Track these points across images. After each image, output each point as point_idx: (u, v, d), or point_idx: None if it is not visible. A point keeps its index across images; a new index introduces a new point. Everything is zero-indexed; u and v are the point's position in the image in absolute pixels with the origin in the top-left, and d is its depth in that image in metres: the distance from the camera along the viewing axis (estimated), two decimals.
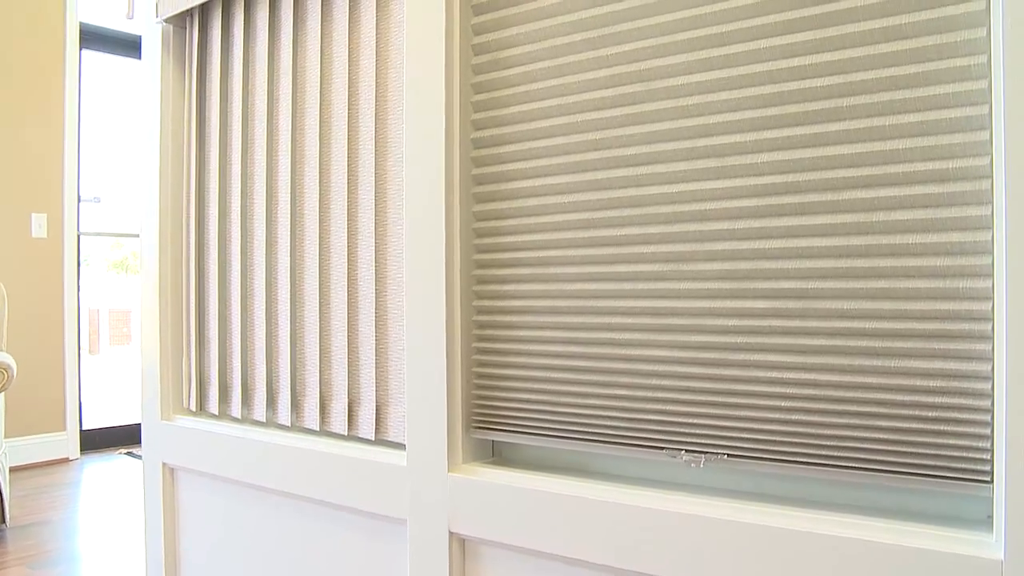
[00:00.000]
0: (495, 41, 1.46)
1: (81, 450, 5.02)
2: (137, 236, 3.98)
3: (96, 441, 5.11)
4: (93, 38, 5.30)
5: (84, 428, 5.07)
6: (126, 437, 5.16)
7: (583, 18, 1.36)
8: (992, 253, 1.04)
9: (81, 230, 5.10)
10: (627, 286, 1.31)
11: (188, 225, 2.11)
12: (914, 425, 1.09)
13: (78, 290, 4.97)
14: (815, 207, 1.15)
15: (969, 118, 1.05)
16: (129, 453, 4.96)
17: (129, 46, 5.46)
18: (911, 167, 1.09)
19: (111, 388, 8.16)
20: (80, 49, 5.11)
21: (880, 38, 1.11)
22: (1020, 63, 0.98)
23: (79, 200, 5.04)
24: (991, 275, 1.04)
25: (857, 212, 1.13)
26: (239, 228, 1.96)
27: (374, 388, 1.65)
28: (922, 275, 1.08)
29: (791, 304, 1.17)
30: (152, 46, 2.16)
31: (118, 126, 5.87)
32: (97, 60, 5.43)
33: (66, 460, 4.83)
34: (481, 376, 1.49)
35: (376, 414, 1.65)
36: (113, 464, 4.71)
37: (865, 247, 1.12)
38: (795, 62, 1.17)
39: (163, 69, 2.14)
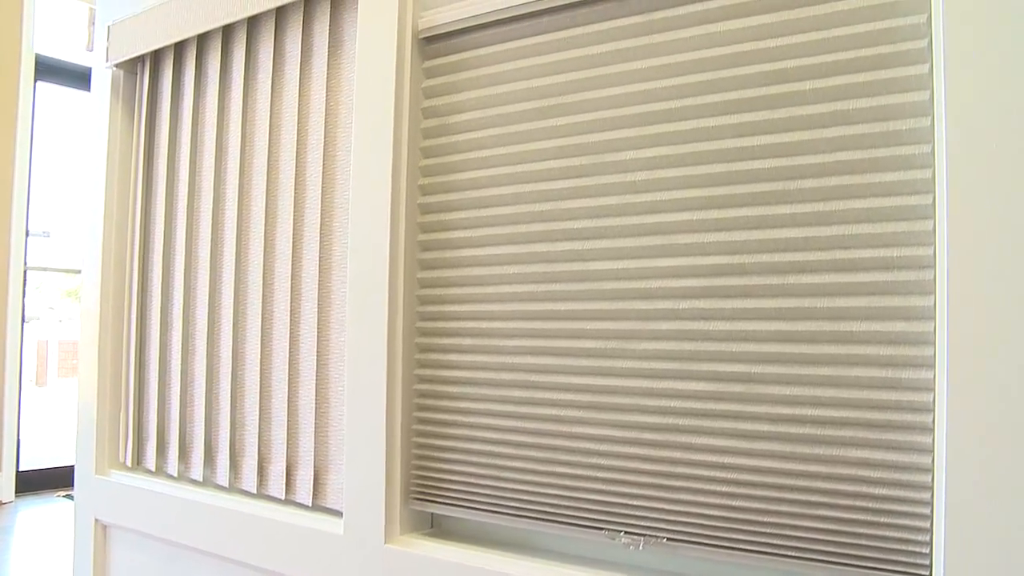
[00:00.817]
0: (445, 106, 1.46)
1: (17, 492, 4.89)
2: None
3: (34, 483, 4.98)
4: (48, 70, 5.24)
5: (21, 469, 4.94)
6: (67, 478, 5.03)
7: (533, 87, 1.35)
8: (935, 344, 1.03)
9: (28, 264, 5.01)
10: (570, 361, 1.30)
11: (131, 275, 2.08)
12: (855, 516, 1.08)
13: (22, 324, 4.87)
14: (761, 290, 1.15)
15: (914, 207, 1.06)
16: (68, 496, 4.84)
17: (86, 78, 5.41)
18: (856, 254, 1.09)
19: (57, 422, 7.99)
20: (35, 81, 5.05)
21: (827, 122, 1.12)
22: (963, 155, 0.98)
23: (27, 234, 4.96)
24: (933, 366, 1.03)
25: (802, 297, 1.12)
26: (182, 280, 1.93)
27: (313, 453, 1.62)
28: (866, 363, 1.08)
29: (735, 388, 1.16)
30: (101, 90, 2.13)
31: (72, 158, 5.79)
32: (52, 92, 5.37)
33: None
34: (421, 447, 1.47)
35: (314, 480, 1.62)
36: (50, 508, 4.59)
37: (810, 333, 1.11)
38: (743, 142, 1.17)
39: (111, 114, 2.11)
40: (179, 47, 2.00)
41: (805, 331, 1.12)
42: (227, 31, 1.87)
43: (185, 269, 1.92)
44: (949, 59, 1.00)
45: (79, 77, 5.45)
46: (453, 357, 1.42)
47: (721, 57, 1.19)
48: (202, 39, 1.93)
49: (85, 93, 5.44)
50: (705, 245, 1.19)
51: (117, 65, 2.09)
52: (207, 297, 1.87)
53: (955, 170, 0.99)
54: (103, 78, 2.13)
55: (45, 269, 5.40)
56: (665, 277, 1.22)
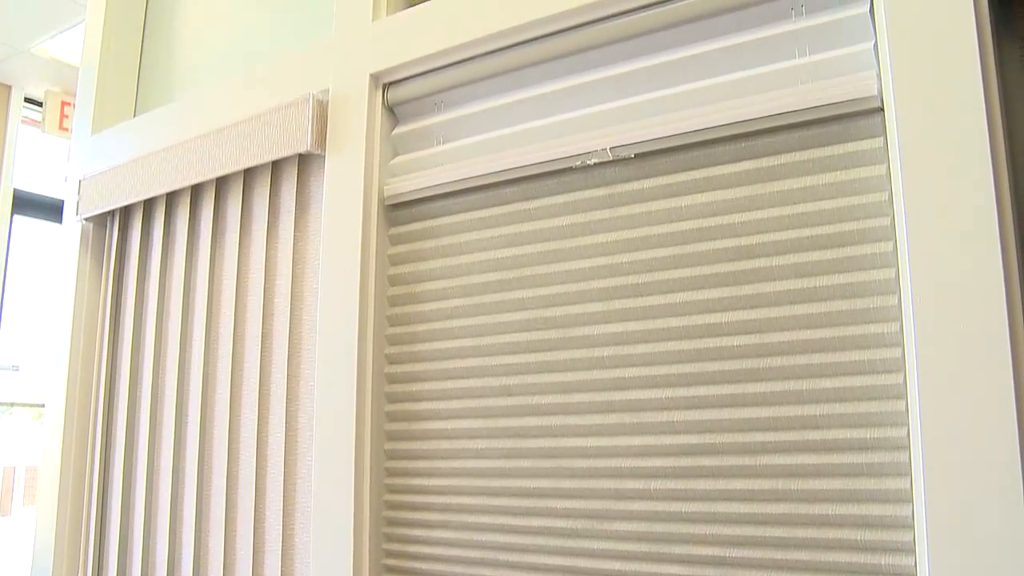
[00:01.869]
0: (411, 274, 1.45)
1: None
2: None
3: None
4: (24, 203, 5.27)
5: None
6: None
7: (497, 258, 1.35)
8: (913, 528, 1.01)
9: None
10: (540, 541, 1.26)
11: (95, 418, 2.03)
12: None
13: None
14: (733, 471, 1.12)
15: (886, 386, 1.04)
16: None
17: (58, 210, 5.44)
18: (829, 434, 1.07)
19: (20, 552, 7.74)
20: (11, 215, 5.08)
21: (796, 299, 1.11)
22: (930, 332, 0.97)
23: None
24: (913, 551, 1.00)
25: (776, 478, 1.10)
26: (147, 429, 1.88)
27: None
28: (842, 548, 1.05)
29: (709, 572, 1.13)
30: (71, 243, 2.13)
31: (43, 292, 5.77)
32: (26, 224, 5.39)
33: None
34: None
35: None
36: None
37: (784, 515, 1.09)
38: (711, 319, 1.16)
39: (80, 266, 2.10)
40: (148, 203, 2.00)
41: (779, 513, 1.09)
42: (196, 188, 1.88)
43: (150, 419, 1.88)
44: (912, 238, 1.00)
45: (56, 210, 5.47)
46: (419, 532, 1.39)
47: (687, 232, 1.20)
48: (171, 196, 1.94)
49: (58, 225, 5.46)
50: (675, 424, 1.17)
51: (87, 219, 2.09)
52: (172, 448, 1.82)
53: (924, 351, 0.98)
54: (73, 231, 2.13)
55: (14, 404, 5.32)
56: (635, 456, 1.20)
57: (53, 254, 5.75)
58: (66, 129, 5.19)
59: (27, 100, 5.28)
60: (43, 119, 5.25)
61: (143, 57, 2.24)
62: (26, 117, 5.32)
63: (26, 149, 5.28)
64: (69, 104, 5.21)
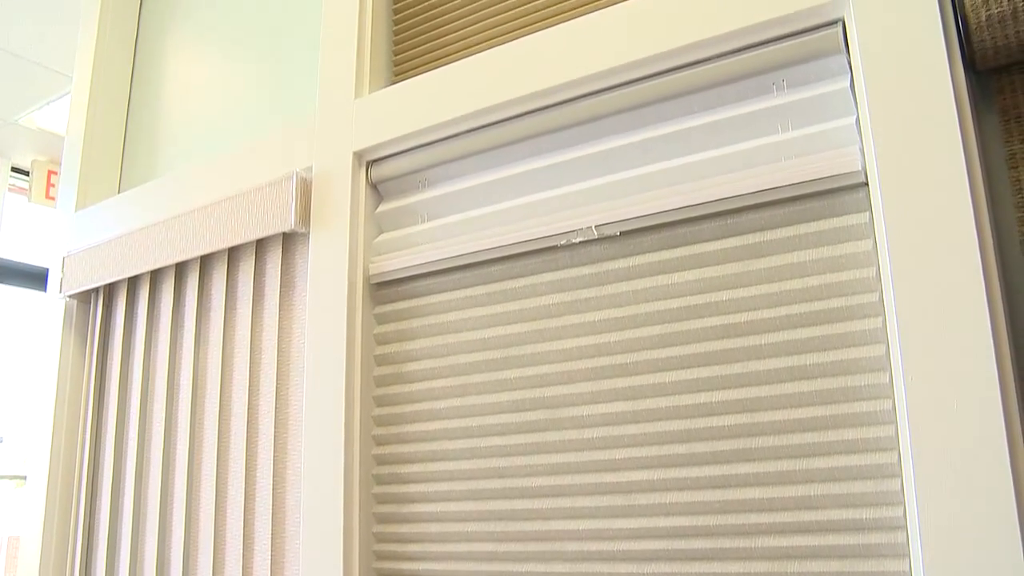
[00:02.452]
0: (397, 353, 1.44)
1: None
2: None
3: None
4: (8, 272, 5.25)
5: None
6: None
7: (485, 338, 1.34)
8: None
9: None
10: None
11: (79, 498, 2.00)
12: None
13: None
14: (727, 553, 1.11)
15: (880, 465, 1.03)
16: None
17: (41, 279, 5.42)
18: (824, 514, 1.06)
19: None
20: None
21: (785, 377, 1.10)
22: (922, 410, 0.97)
23: None
24: None
25: (771, 560, 1.08)
26: (131, 506, 1.85)
27: None
28: None
29: None
30: (54, 319, 2.11)
31: (27, 363, 5.73)
32: (10, 294, 5.36)
33: None
34: None
35: None
36: None
37: None
38: (701, 398, 1.15)
39: (63, 342, 2.08)
40: (133, 280, 1.99)
41: None
42: (181, 266, 1.87)
43: (135, 496, 1.85)
44: (900, 313, 1.00)
45: (36, 278, 5.45)
46: None
47: (674, 310, 1.19)
48: (156, 273, 1.93)
49: (43, 294, 5.43)
50: (667, 505, 1.15)
51: (71, 296, 2.08)
52: (156, 525, 1.79)
53: (917, 429, 0.97)
54: (56, 307, 2.12)
55: None
56: (628, 539, 1.18)
57: (37, 325, 5.72)
58: (52, 198, 5.20)
59: (14, 169, 5.29)
60: (30, 188, 5.25)
61: (128, 133, 2.24)
62: (12, 185, 5.32)
63: (11, 218, 5.27)
64: (56, 173, 5.22)
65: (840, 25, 1.14)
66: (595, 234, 1.25)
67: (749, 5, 1.17)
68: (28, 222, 5.39)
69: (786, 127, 1.17)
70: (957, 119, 1.02)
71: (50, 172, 5.24)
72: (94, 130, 2.20)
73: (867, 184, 1.09)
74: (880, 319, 1.05)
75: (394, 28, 1.64)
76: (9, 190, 5.27)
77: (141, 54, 2.29)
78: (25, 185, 5.34)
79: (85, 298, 2.11)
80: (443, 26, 1.56)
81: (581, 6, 1.39)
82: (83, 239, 2.07)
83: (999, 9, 1.02)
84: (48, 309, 2.15)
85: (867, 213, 1.09)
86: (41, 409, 2.09)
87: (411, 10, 1.61)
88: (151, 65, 2.24)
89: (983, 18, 1.03)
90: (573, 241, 1.28)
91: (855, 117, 1.12)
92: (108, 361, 2.03)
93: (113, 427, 1.95)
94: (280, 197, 1.58)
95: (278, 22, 1.90)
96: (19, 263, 5.34)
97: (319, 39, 1.74)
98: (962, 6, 1.04)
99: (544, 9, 1.43)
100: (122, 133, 2.25)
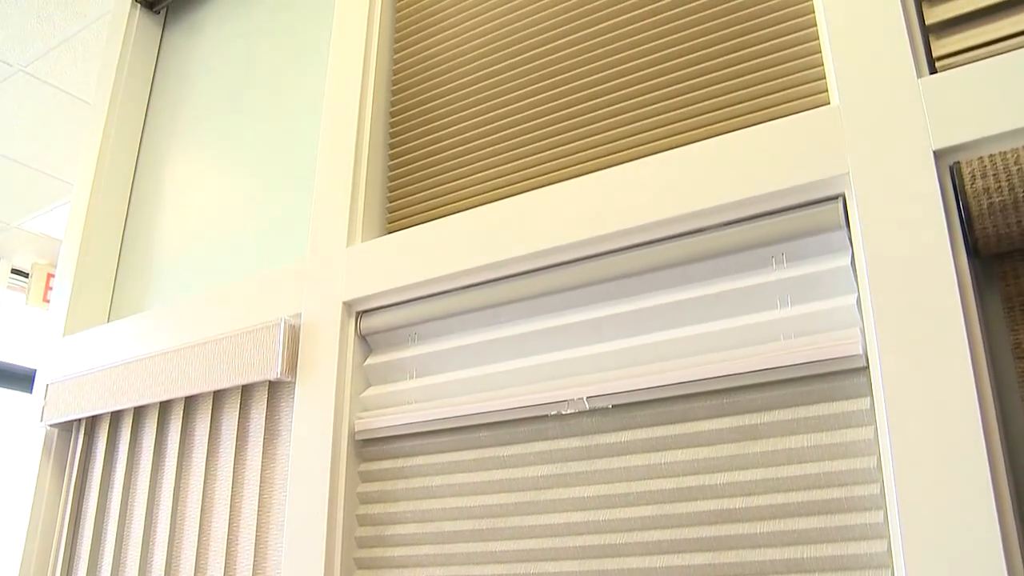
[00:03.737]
0: (381, 515, 1.40)
1: None
2: None
3: None
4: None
5: None
6: None
7: (470, 506, 1.30)
8: None
9: None
10: None
11: None
12: None
13: None
14: None
15: None
16: None
17: (23, 379, 5.38)
18: None
19: None
20: None
21: (781, 569, 1.06)
22: None
23: None
24: None
25: None
26: None
27: None
28: None
29: None
30: (34, 448, 2.07)
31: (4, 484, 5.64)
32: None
33: None
34: None
35: None
36: None
37: None
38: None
39: (40, 474, 2.04)
40: (116, 414, 1.96)
41: None
42: (164, 404, 1.84)
43: None
44: (903, 508, 0.96)
45: (18, 379, 5.41)
46: None
47: (668, 491, 1.15)
48: (139, 409, 1.90)
49: (23, 395, 5.38)
50: None
51: (51, 425, 2.04)
52: None
53: None
54: (37, 437, 2.08)
55: None
56: None
57: (17, 450, 5.66)
58: (49, 301, 5.20)
59: (14, 271, 5.30)
60: (28, 290, 5.26)
61: (121, 260, 2.23)
62: (12, 284, 5.34)
63: (7, 318, 5.26)
64: (54, 276, 5.24)
65: (841, 200, 1.13)
66: (586, 406, 1.22)
67: (749, 176, 1.16)
68: (23, 323, 5.37)
69: (785, 303, 1.15)
70: (960, 305, 1.00)
71: (49, 275, 5.25)
72: (87, 255, 2.19)
73: (868, 368, 1.06)
74: (881, 513, 1.01)
75: (390, 175, 1.64)
76: (8, 287, 5.28)
77: (140, 178, 2.29)
78: (24, 286, 5.35)
79: (67, 427, 2.07)
80: (439, 176, 1.55)
81: (580, 164, 1.38)
82: (69, 366, 2.04)
83: (1000, 198, 1.00)
84: (29, 436, 2.11)
85: (868, 399, 1.06)
86: (12, 542, 2.03)
87: (407, 159, 1.61)
88: (149, 190, 2.24)
89: (984, 206, 1.01)
90: (563, 412, 1.24)
91: (856, 296, 1.09)
92: (85, 497, 1.98)
93: (86, 561, 1.90)
94: (267, 344, 1.56)
95: (276, 160, 1.91)
96: (9, 364, 5.31)
97: (314, 182, 1.74)
98: (964, 193, 1.02)
99: (543, 165, 1.42)
100: (116, 260, 2.24)
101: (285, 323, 1.54)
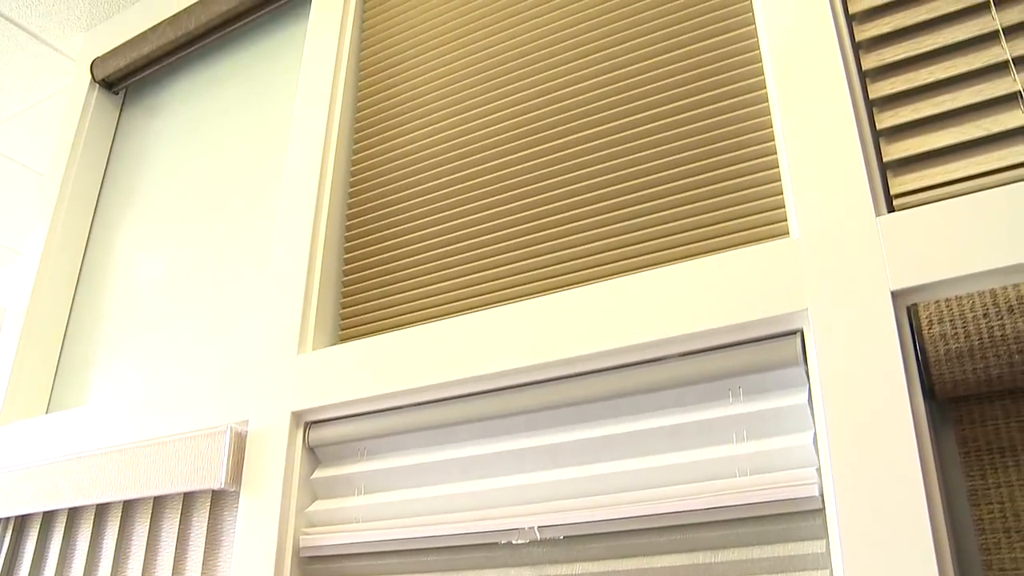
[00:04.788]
0: None
1: None
2: None
3: None
4: None
5: None
6: None
7: None
8: None
9: None
10: None
11: None
12: None
13: None
14: None
15: None
16: None
17: None
18: None
19: None
20: None
21: None
22: None
23: None
24: None
25: None
26: None
27: None
28: None
29: None
30: None
31: None
32: None
33: None
34: None
35: None
36: None
37: None
38: None
39: None
40: (48, 514, 1.90)
41: None
42: (101, 507, 1.79)
43: None
44: None
45: None
46: None
47: None
48: (74, 510, 1.85)
49: None
50: None
51: None
52: None
53: None
54: None
55: None
56: None
57: None
58: None
59: None
60: None
61: (65, 347, 2.19)
62: None
63: None
64: None
65: (799, 336, 1.13)
66: (537, 536, 1.20)
67: (709, 307, 1.17)
68: None
69: (741, 437, 1.14)
70: (916, 448, 1.00)
71: None
72: (29, 337, 2.14)
73: (824, 510, 1.06)
74: None
75: (344, 281, 1.63)
76: None
77: (89, 260, 2.26)
78: None
79: None
80: (395, 284, 1.55)
81: (540, 282, 1.39)
82: (1, 459, 1.98)
83: (957, 345, 1.02)
84: None
85: (823, 542, 1.05)
86: None
87: (363, 266, 1.60)
88: (98, 274, 2.21)
89: (941, 352, 1.02)
90: (514, 542, 1.22)
91: (813, 434, 1.09)
92: None
93: None
94: (213, 451, 1.53)
95: (231, 254, 1.89)
96: None
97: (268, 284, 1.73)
98: (921, 337, 1.03)
99: (502, 280, 1.43)
100: (59, 345, 2.19)
101: (232, 430, 1.51)
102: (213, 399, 1.61)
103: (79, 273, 2.25)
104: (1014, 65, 1.14)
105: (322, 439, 1.46)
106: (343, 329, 1.58)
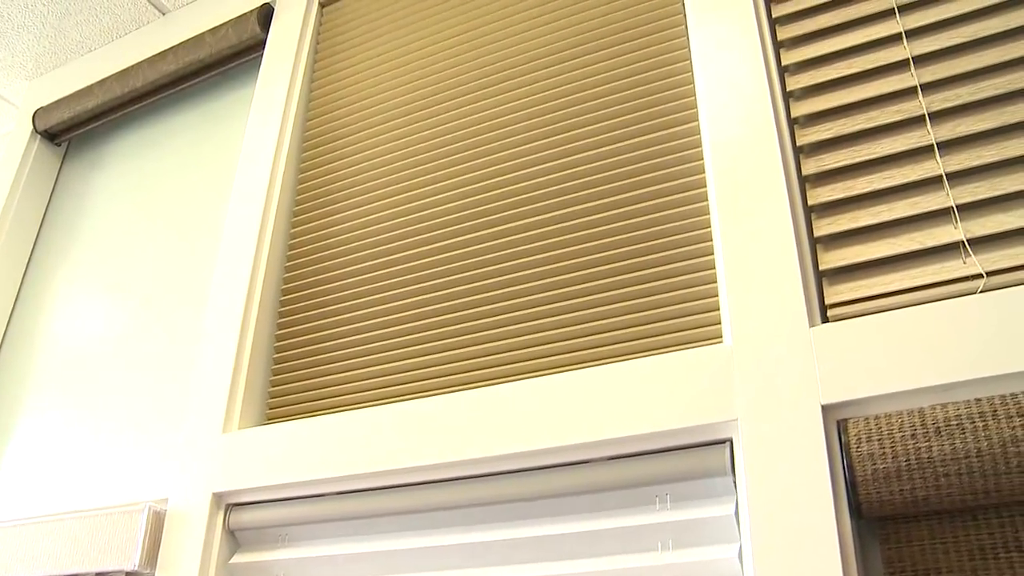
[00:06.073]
0: None
1: None
2: None
3: None
4: None
5: None
6: None
7: None
8: None
9: None
10: None
11: None
12: None
13: None
14: None
15: None
16: None
17: None
18: None
19: None
20: None
21: None
22: None
23: None
24: None
25: None
26: None
27: None
28: None
29: None
30: None
31: None
32: None
33: None
34: None
35: None
36: None
37: None
38: None
39: None
40: None
41: None
42: None
43: None
44: None
45: None
46: None
47: None
48: None
49: None
50: None
51: None
52: None
53: None
54: None
55: None
56: None
57: None
58: None
59: None
60: None
61: None
62: None
63: None
64: None
65: (728, 445, 1.13)
66: None
67: (638, 411, 1.16)
68: None
69: (667, 546, 1.13)
70: (841, 567, 1.00)
71: None
72: None
73: None
74: None
75: (275, 358, 1.60)
76: None
77: (19, 311, 2.21)
78: None
79: None
80: (326, 365, 1.52)
81: (470, 373, 1.37)
82: None
83: (884, 465, 1.01)
84: None
85: None
86: None
87: (295, 344, 1.58)
88: (27, 325, 2.15)
89: (869, 472, 1.02)
90: None
91: (739, 547, 1.08)
92: None
93: None
94: (128, 529, 1.48)
95: (163, 318, 1.85)
96: None
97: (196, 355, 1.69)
98: (849, 455, 1.03)
99: (432, 369, 1.41)
100: None
101: (150, 509, 1.47)
102: (132, 474, 1.57)
103: (5, 330, 2.20)
104: (948, 180, 1.16)
105: (243, 523, 1.43)
106: (271, 408, 1.55)
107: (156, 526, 1.47)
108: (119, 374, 1.86)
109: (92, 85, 2.25)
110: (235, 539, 1.46)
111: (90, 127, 2.30)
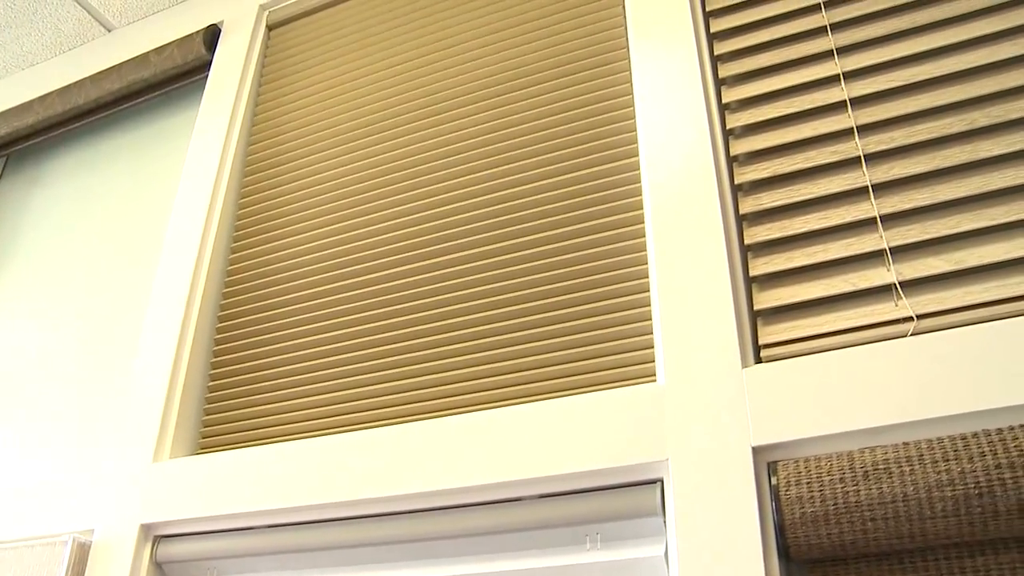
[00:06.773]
0: None
1: None
2: None
3: None
4: None
5: None
6: None
7: None
8: None
9: None
10: None
11: None
12: None
13: None
14: None
15: None
16: None
17: None
18: None
19: None
20: None
21: None
22: None
23: None
24: None
25: None
26: None
27: None
28: None
29: None
30: None
31: None
32: None
33: None
34: None
35: None
36: None
37: None
38: None
39: None
40: None
41: None
42: None
43: None
44: None
45: None
46: None
47: None
48: None
49: None
50: None
51: None
52: None
53: None
54: None
55: None
56: None
57: None
58: None
59: None
60: None
61: None
62: None
63: None
64: None
65: (659, 486, 1.12)
66: None
67: (569, 450, 1.15)
68: None
69: None
70: None
71: None
72: None
73: None
74: None
75: (210, 387, 1.58)
76: None
77: None
78: None
79: None
80: (261, 395, 1.50)
81: (405, 406, 1.36)
82: None
83: (812, 509, 1.02)
84: None
85: None
86: None
87: (230, 371, 1.56)
88: None
89: (797, 515, 1.02)
90: None
91: None
92: None
93: None
94: (51, 562, 1.45)
95: (98, 340, 1.82)
96: None
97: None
98: (778, 499, 1.03)
99: (366, 401, 1.40)
100: None
101: (74, 541, 1.44)
102: (57, 504, 1.53)
103: None
104: (881, 222, 1.17)
105: (171, 555, 1.40)
106: (204, 438, 1.53)
107: (80, 558, 1.44)
108: (47, 398, 1.83)
109: (32, 100, 2.21)
110: (163, 572, 1.43)
111: (30, 143, 2.26)
